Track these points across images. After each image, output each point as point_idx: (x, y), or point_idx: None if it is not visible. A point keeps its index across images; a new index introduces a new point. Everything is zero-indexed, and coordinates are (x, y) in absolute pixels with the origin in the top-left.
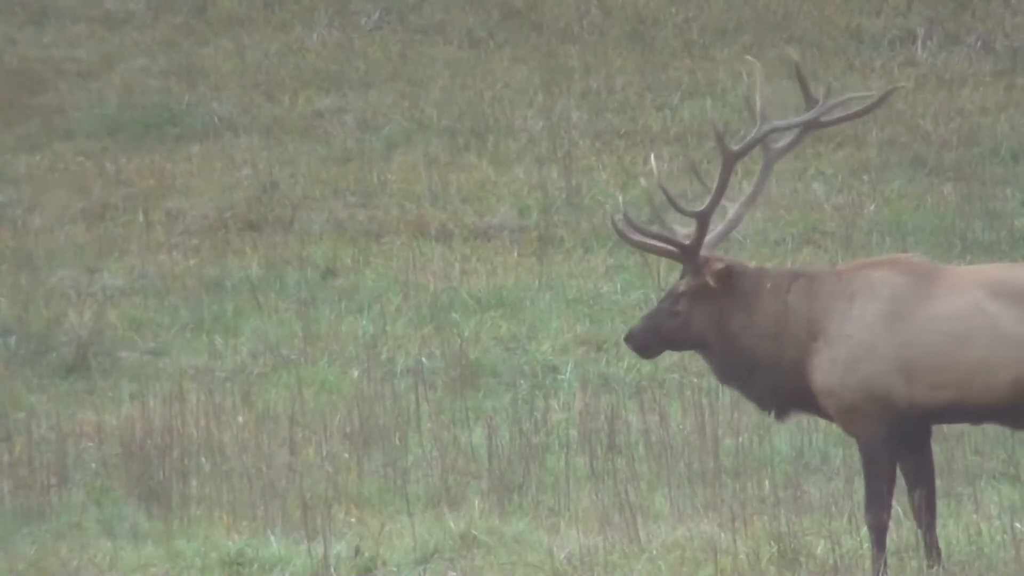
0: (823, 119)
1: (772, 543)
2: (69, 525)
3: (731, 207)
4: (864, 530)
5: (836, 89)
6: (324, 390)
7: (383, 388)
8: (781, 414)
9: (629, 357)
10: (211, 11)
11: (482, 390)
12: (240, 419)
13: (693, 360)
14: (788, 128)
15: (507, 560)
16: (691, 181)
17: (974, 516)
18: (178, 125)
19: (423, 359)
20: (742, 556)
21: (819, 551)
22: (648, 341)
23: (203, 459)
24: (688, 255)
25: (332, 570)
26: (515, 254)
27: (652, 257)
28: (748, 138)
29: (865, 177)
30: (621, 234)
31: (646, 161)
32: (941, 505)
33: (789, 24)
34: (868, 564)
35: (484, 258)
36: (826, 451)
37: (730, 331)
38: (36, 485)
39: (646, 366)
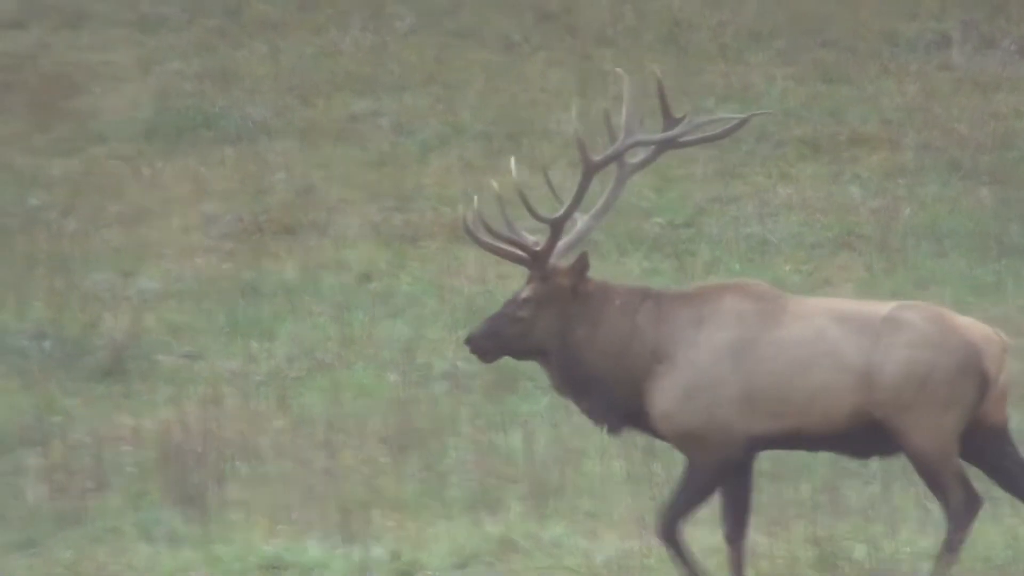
0: (682, 139)
1: (810, 547)
2: (106, 529)
3: (581, 218)
4: (904, 534)
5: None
6: (361, 394)
7: (420, 392)
8: (613, 429)
9: None
10: (245, 14)
11: (519, 394)
12: (277, 423)
13: None
14: (649, 144)
15: (545, 564)
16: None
17: (1011, 520)
18: (213, 128)
19: (459, 363)
20: (780, 560)
21: (857, 555)
22: (488, 346)
23: (240, 463)
24: (537, 261)
25: (370, 574)
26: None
27: (688, 260)
28: (609, 150)
29: (901, 181)
30: (471, 234)
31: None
32: None
33: (823, 28)
34: (906, 568)
35: None
36: None
37: (572, 342)
38: (73, 489)
39: None
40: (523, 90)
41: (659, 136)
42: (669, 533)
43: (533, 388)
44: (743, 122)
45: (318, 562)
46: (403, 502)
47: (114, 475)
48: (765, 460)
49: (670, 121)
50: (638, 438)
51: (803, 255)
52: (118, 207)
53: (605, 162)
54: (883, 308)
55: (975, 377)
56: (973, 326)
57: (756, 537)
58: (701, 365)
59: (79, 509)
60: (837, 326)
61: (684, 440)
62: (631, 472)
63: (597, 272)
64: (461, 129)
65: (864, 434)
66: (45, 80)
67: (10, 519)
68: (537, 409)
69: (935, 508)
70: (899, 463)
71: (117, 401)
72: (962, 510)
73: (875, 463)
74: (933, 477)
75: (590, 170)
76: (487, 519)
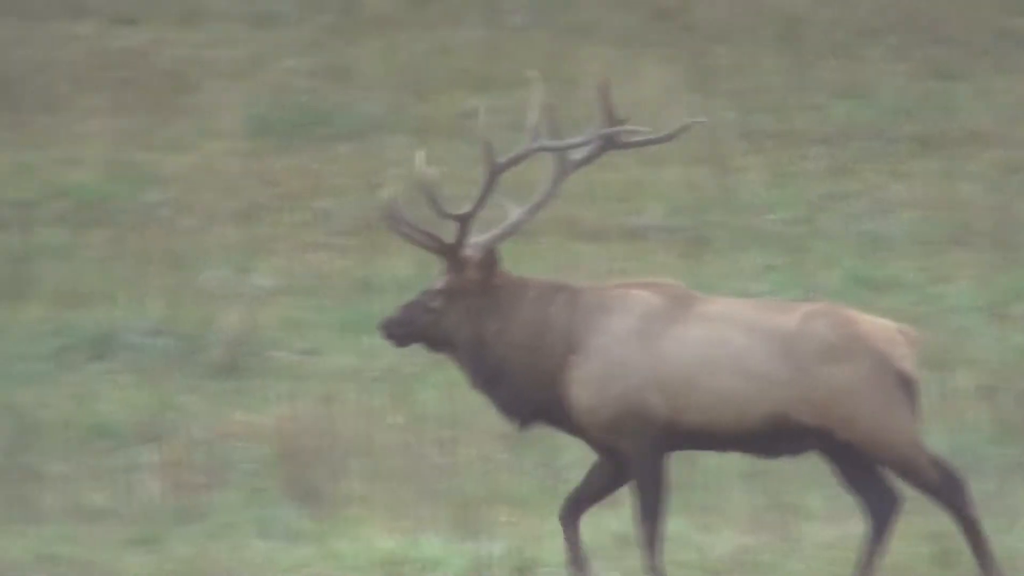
0: (620, 140)
1: (927, 543)
2: (223, 526)
3: (515, 211)
4: (1020, 529)
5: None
6: None
7: None
8: (525, 424)
9: None
10: (359, 11)
11: None
12: (393, 419)
13: None
14: (553, 150)
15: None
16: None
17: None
18: (327, 125)
19: None
20: (897, 556)
21: None
22: (400, 333)
23: (357, 459)
24: (449, 253)
25: (488, 571)
26: (668, 254)
27: (804, 257)
28: (514, 154)
29: (1015, 177)
30: (388, 222)
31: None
32: None
33: (938, 24)
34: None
35: (636, 258)
36: (980, 450)
37: (483, 336)
38: (189, 486)
39: None
40: (638, 86)
41: (564, 143)
42: (648, 536)
43: None
44: (678, 132)
45: (436, 558)
46: (521, 498)
47: (231, 471)
48: None
49: (614, 121)
50: None
51: (918, 252)
52: (233, 203)
53: (508, 165)
54: (792, 317)
55: (894, 378)
56: (877, 329)
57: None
58: (612, 352)
59: (196, 505)
60: (745, 336)
61: (610, 432)
62: (748, 467)
63: (715, 268)
64: (576, 125)
65: (788, 436)
66: (160, 76)
67: (127, 515)
68: None
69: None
70: (1016, 459)
71: (233, 398)
72: (947, 491)
73: (991, 458)
74: (908, 475)
75: (494, 172)
76: (605, 515)
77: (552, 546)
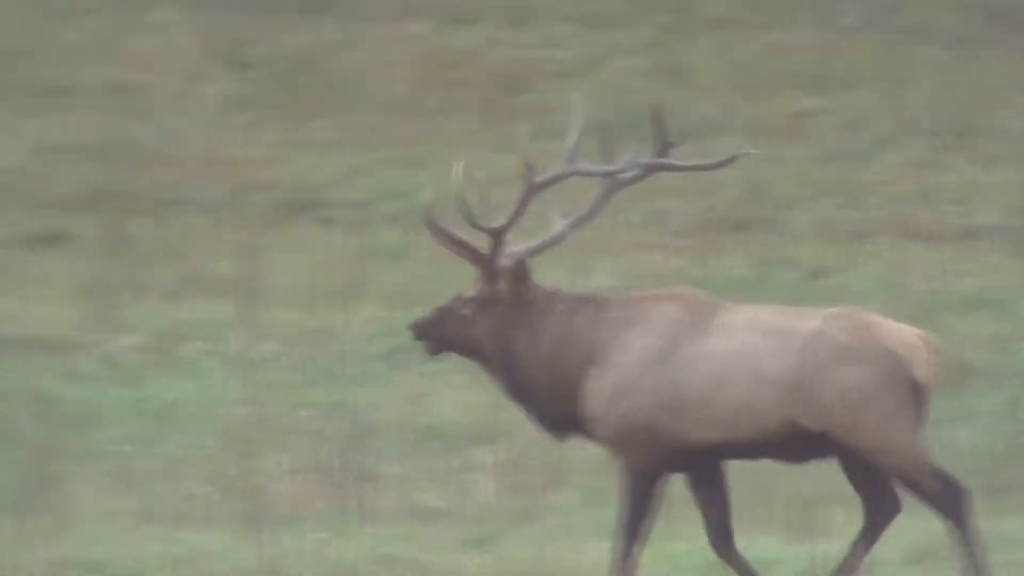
0: (623, 174)
1: None
2: (560, 526)
3: (559, 223)
4: None
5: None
6: None
7: None
8: (560, 436)
9: None
10: (695, 11)
11: (971, 390)
12: None
13: None
14: (587, 175)
15: (998, 560)
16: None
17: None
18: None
19: None
20: None
21: None
22: (431, 335)
23: None
24: (482, 263)
25: (824, 571)
26: (1003, 255)
27: None
28: (550, 175)
29: None
30: (429, 228)
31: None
32: None
33: None
34: None
35: (971, 259)
36: None
37: (511, 349)
38: (525, 486)
39: None
40: (972, 87)
41: (600, 168)
42: (621, 552)
43: (985, 385)
44: (726, 162)
45: (771, 559)
46: (855, 498)
47: (567, 472)
48: None
49: (663, 146)
50: None
51: None
52: (568, 204)
53: (545, 184)
54: (811, 322)
55: (906, 384)
56: (896, 333)
57: None
58: (627, 368)
59: (532, 506)
60: (763, 340)
61: (615, 444)
62: None
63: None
64: (910, 126)
65: (800, 443)
66: (493, 77)
67: (462, 516)
68: (990, 406)
69: None
70: None
71: None
72: (947, 502)
73: None
74: (909, 483)
75: (531, 190)
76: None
77: (888, 546)
